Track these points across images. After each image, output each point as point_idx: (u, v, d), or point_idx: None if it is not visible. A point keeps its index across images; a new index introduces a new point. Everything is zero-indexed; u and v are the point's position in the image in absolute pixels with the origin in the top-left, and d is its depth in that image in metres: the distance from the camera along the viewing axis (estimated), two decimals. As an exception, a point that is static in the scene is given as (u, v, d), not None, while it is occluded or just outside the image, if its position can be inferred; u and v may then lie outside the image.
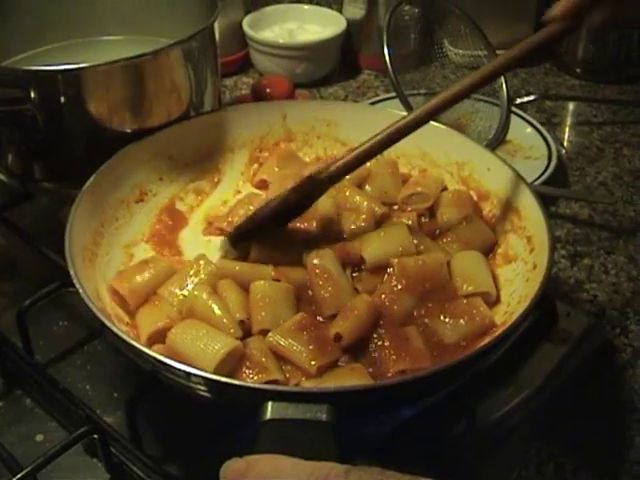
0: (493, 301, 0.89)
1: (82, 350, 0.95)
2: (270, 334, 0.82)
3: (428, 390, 0.78)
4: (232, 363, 0.78)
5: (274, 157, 1.11)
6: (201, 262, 0.91)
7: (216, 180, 1.10)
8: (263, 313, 0.85)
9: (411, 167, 1.09)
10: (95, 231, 0.94)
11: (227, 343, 0.79)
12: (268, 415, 0.66)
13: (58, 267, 0.90)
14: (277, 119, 1.13)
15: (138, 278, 0.89)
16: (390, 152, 1.09)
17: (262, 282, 0.87)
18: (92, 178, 0.94)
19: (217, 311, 0.84)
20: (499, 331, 0.79)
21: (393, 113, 1.12)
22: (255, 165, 1.12)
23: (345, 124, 1.11)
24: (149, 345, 0.81)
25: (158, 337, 0.83)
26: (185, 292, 0.88)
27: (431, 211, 1.02)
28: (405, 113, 1.08)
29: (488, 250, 0.96)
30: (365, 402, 0.73)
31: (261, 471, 0.59)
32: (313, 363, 0.79)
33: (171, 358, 0.71)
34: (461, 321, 0.85)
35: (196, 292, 0.87)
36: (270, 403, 0.66)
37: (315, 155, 1.14)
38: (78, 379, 0.91)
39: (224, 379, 0.71)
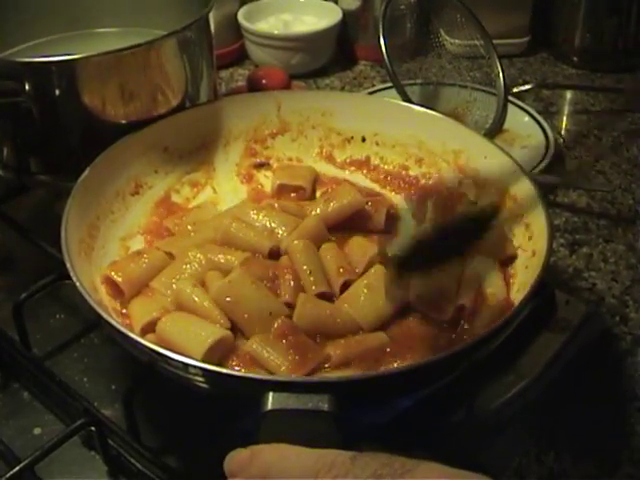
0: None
1: (79, 343, 0.95)
2: (248, 343, 0.80)
3: (430, 379, 0.78)
4: (222, 352, 0.79)
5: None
6: (190, 254, 0.91)
7: (211, 172, 1.10)
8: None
9: (407, 156, 1.09)
10: (91, 224, 0.93)
11: (215, 331, 0.79)
12: (269, 406, 0.65)
13: (54, 260, 0.89)
14: (272, 109, 1.12)
15: (133, 267, 0.89)
16: (385, 141, 1.09)
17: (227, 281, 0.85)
18: (87, 171, 0.94)
19: (204, 303, 0.84)
20: (500, 320, 0.79)
21: (389, 102, 1.13)
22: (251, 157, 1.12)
23: (341, 114, 1.11)
24: (142, 335, 0.81)
25: (150, 327, 0.83)
26: (176, 284, 0.88)
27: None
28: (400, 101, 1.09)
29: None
30: (367, 391, 0.72)
31: (266, 460, 0.58)
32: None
33: (164, 347, 0.71)
34: (482, 312, 0.85)
35: (182, 285, 0.86)
36: (271, 394, 0.66)
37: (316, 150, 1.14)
38: (75, 372, 0.91)
39: (224, 370, 0.71)
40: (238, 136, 1.12)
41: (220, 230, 0.95)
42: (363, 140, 1.11)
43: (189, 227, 0.99)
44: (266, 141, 1.13)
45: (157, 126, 1.03)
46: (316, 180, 1.09)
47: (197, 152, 1.09)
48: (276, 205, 1.02)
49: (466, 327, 0.84)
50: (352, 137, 1.11)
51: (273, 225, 0.97)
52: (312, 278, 0.88)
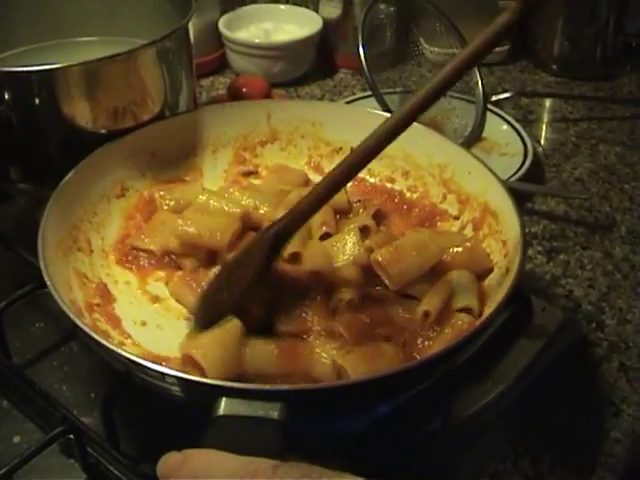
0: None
1: (59, 351, 0.95)
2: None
3: (387, 392, 0.78)
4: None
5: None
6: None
7: (199, 178, 1.10)
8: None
9: (394, 168, 1.09)
10: (72, 225, 0.94)
11: None
12: (221, 411, 0.66)
13: (34, 268, 0.89)
14: (261, 118, 1.12)
15: None
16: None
17: None
18: (71, 173, 0.94)
19: None
20: (462, 335, 0.78)
21: (379, 114, 1.12)
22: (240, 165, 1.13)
23: (330, 124, 1.11)
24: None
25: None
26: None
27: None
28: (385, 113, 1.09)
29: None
30: (320, 402, 0.73)
31: (194, 465, 0.60)
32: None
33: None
34: (446, 330, 0.84)
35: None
36: (224, 399, 0.66)
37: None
38: (55, 380, 0.91)
39: (179, 373, 0.71)
40: (227, 143, 1.12)
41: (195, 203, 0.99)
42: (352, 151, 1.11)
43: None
44: (255, 149, 1.13)
45: (145, 131, 1.04)
46: (307, 184, 1.09)
47: (185, 158, 1.10)
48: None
49: (425, 345, 0.84)
50: (341, 148, 1.12)
51: (257, 203, 1.01)
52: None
